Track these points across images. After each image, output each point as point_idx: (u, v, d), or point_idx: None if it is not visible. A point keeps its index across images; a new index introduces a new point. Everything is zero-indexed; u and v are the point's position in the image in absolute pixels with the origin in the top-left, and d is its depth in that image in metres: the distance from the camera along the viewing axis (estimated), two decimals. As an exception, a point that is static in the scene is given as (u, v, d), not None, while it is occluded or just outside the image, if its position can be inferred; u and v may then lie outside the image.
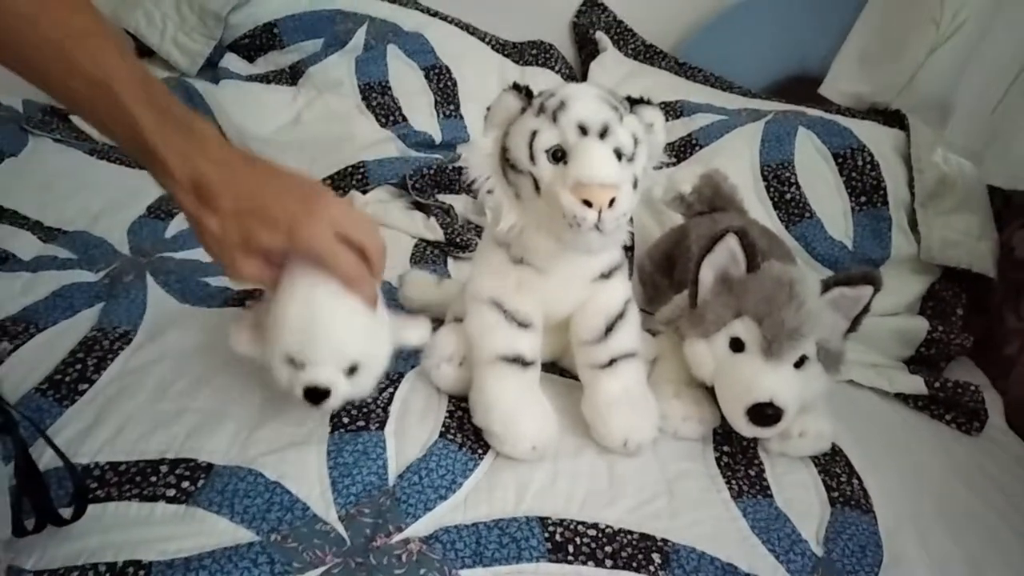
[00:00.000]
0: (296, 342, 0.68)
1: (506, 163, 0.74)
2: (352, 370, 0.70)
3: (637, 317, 0.83)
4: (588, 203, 0.68)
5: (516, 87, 0.74)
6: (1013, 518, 0.86)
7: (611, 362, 0.79)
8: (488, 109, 0.76)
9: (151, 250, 1.05)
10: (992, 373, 1.15)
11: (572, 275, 0.79)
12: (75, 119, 1.43)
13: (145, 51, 1.49)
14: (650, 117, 0.74)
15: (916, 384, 1.04)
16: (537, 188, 0.72)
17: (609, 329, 0.79)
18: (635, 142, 0.72)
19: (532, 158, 0.71)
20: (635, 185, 0.72)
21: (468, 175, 0.76)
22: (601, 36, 1.59)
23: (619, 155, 0.70)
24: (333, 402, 0.70)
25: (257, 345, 0.73)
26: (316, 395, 0.69)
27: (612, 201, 0.68)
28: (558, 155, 0.71)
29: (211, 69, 1.45)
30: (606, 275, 0.79)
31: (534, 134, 0.71)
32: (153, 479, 0.67)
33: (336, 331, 0.69)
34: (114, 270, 0.97)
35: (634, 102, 0.75)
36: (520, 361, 0.78)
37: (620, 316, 0.80)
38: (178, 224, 1.14)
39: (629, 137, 0.71)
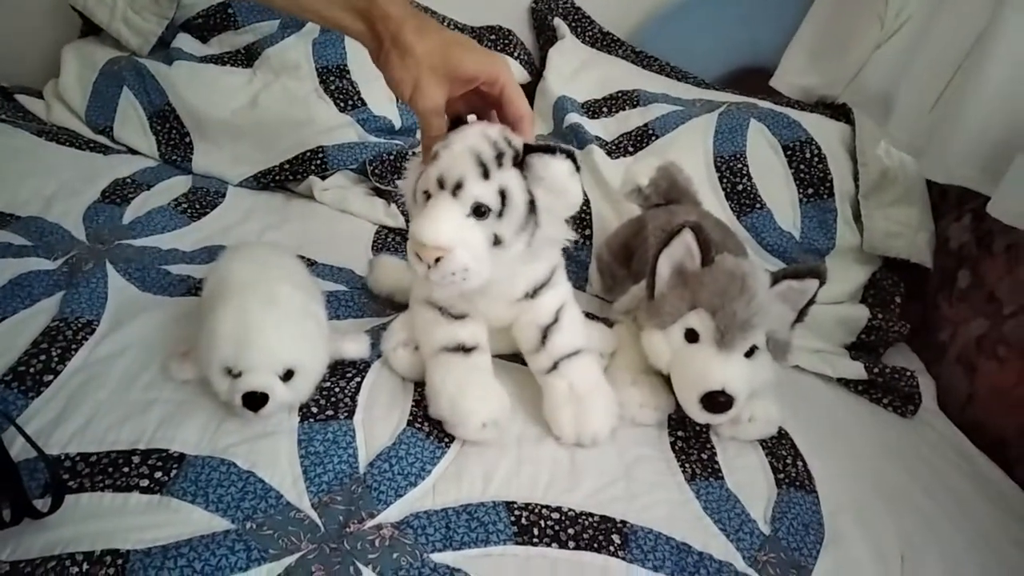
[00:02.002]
0: (231, 351, 0.72)
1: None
2: (288, 375, 0.73)
3: (576, 317, 0.85)
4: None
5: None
6: (943, 496, 0.92)
7: (555, 365, 0.83)
8: None
9: (109, 237, 1.04)
10: (926, 358, 1.22)
11: (495, 295, 0.80)
12: (20, 97, 1.39)
13: (93, 29, 1.45)
14: (541, 170, 0.71)
15: (857, 370, 1.09)
16: None
17: (544, 337, 0.82)
18: (503, 199, 0.71)
19: (415, 196, 0.75)
20: (498, 242, 0.72)
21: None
22: (559, 22, 1.60)
23: (482, 211, 0.71)
24: (272, 407, 0.72)
25: (196, 368, 0.76)
26: (254, 401, 0.71)
27: (440, 259, 0.69)
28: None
29: (163, 49, 1.42)
30: (532, 295, 0.81)
31: (420, 174, 0.74)
32: (126, 470, 0.68)
33: (269, 337, 0.72)
34: (72, 258, 0.96)
35: (533, 150, 0.72)
36: (462, 348, 0.80)
37: (553, 323, 0.83)
38: (135, 210, 1.14)
39: (493, 194, 0.71)
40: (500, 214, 0.71)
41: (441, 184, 0.71)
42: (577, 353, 0.83)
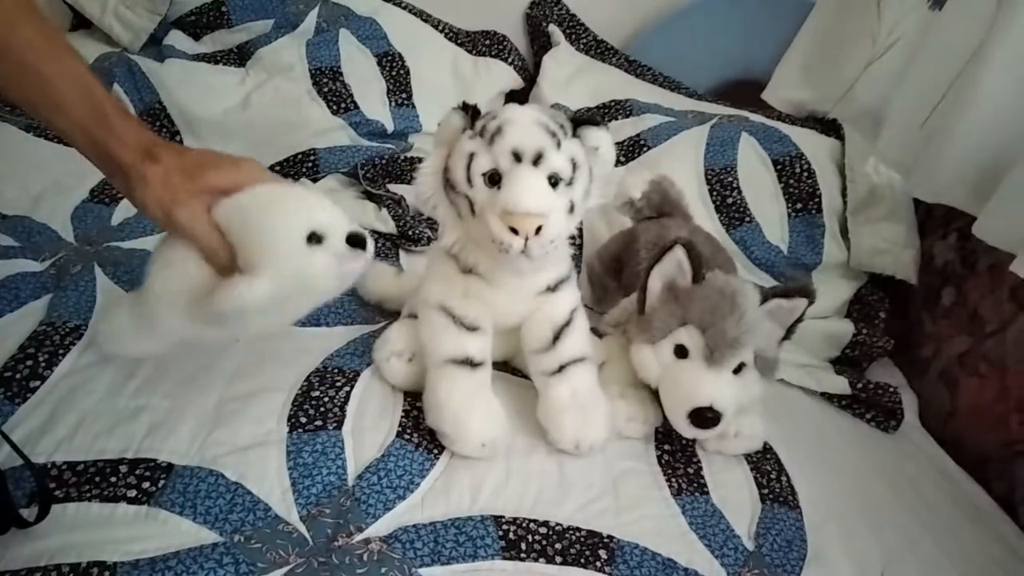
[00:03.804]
0: (304, 219, 0.64)
1: (447, 182, 0.76)
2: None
3: (585, 323, 0.86)
4: (515, 230, 0.71)
5: (464, 107, 0.76)
6: (924, 512, 0.94)
7: (560, 368, 0.83)
8: (438, 126, 0.78)
9: (97, 238, 1.03)
10: (909, 374, 1.24)
11: (518, 288, 0.81)
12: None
13: (84, 23, 1.44)
14: (595, 140, 0.76)
15: (841, 384, 1.11)
16: (473, 210, 0.74)
17: (556, 338, 0.82)
18: (573, 167, 0.74)
19: (469, 180, 0.74)
20: (572, 209, 0.75)
21: (418, 190, 0.79)
22: (554, 29, 1.60)
23: (555, 181, 0.73)
24: (371, 249, 0.67)
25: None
26: (360, 240, 0.66)
27: (539, 229, 0.71)
28: (494, 179, 0.73)
29: (155, 46, 1.41)
30: (552, 288, 0.82)
31: (471, 157, 0.73)
32: (113, 479, 0.67)
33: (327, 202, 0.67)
34: (60, 259, 0.95)
35: (580, 122, 0.76)
36: (469, 363, 0.80)
37: (567, 324, 0.83)
38: (124, 211, 1.12)
39: (566, 162, 0.73)
40: (570, 182, 0.74)
41: (518, 157, 0.72)
42: (583, 360, 0.83)
